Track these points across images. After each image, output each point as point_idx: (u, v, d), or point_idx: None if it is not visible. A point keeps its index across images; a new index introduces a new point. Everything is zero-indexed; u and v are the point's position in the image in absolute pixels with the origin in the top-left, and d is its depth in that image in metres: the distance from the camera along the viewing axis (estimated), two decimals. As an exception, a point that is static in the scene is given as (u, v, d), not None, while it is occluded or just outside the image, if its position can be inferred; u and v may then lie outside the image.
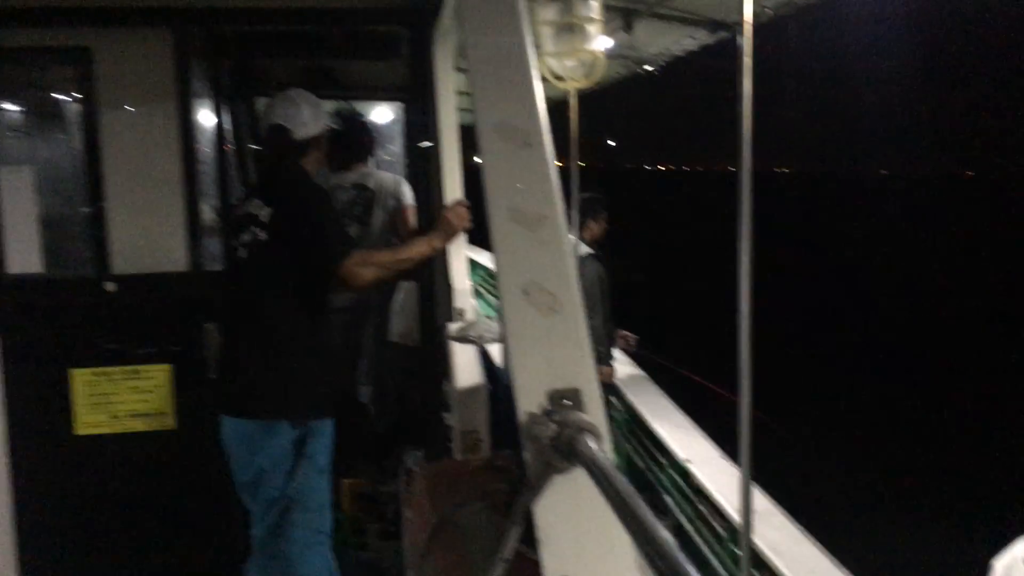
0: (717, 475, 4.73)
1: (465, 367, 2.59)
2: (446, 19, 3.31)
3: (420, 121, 4.36)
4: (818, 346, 18.28)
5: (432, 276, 3.89)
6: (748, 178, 2.86)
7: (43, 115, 4.26)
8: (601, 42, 2.32)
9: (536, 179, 1.70)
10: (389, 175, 5.25)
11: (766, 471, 3.58)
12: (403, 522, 4.26)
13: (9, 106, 3.82)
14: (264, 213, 3.35)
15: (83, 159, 3.68)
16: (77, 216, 3.95)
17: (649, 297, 19.56)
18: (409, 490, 4.11)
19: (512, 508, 1.65)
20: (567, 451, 1.42)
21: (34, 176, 3.66)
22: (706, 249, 19.33)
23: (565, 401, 1.54)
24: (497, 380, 2.35)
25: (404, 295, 4.92)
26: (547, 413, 1.51)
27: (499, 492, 1.82)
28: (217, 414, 3.39)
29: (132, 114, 3.70)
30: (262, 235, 3.35)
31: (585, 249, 5.97)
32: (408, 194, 5.05)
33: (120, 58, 3.63)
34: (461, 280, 3.71)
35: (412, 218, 5.01)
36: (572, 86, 2.47)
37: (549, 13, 2.32)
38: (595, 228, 6.08)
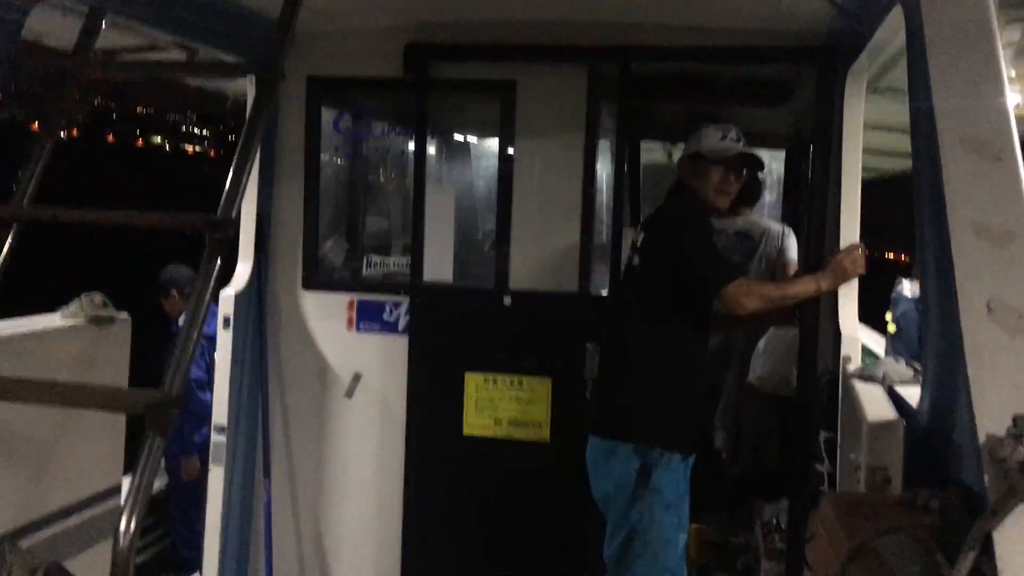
0: None
1: (874, 403, 2.46)
2: (864, 58, 3.23)
3: (808, 167, 4.28)
4: None
5: (815, 320, 3.77)
6: None
7: (464, 141, 4.77)
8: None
9: (1006, 194, 1.60)
10: (778, 226, 5.10)
11: None
12: (760, 574, 4.14)
13: (437, 132, 4.29)
14: (640, 238, 3.45)
15: (496, 183, 4.04)
16: (484, 233, 4.35)
17: None
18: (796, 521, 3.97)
19: (950, 539, 1.55)
20: (1041, 478, 1.30)
21: (454, 196, 4.09)
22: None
23: (1034, 427, 1.42)
24: (909, 420, 2.21)
25: (768, 339, 4.79)
26: (1015, 437, 1.40)
27: (926, 527, 1.70)
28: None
29: (543, 144, 4.01)
30: (635, 259, 3.44)
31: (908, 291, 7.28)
32: (792, 249, 4.90)
33: (539, 92, 3.95)
34: (851, 326, 3.56)
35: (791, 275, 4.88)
36: (1026, 113, 2.29)
37: (1012, 34, 2.18)
38: None
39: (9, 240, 2.27)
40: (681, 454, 3.31)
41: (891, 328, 7.20)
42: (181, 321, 5.44)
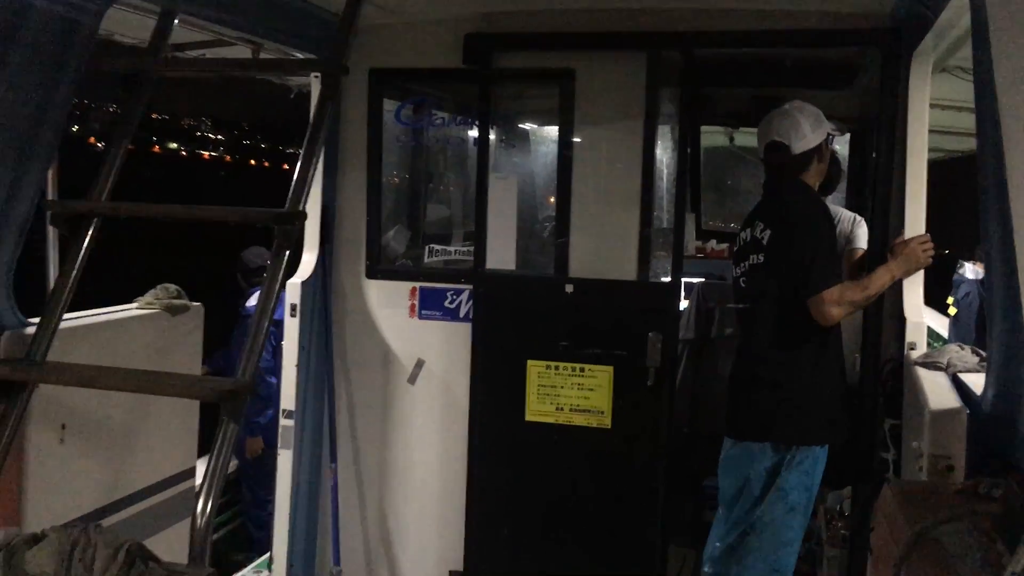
0: None
1: (937, 390, 2.43)
2: (929, 39, 3.17)
3: (873, 150, 4.20)
4: None
5: (880, 305, 3.72)
6: None
7: (524, 129, 4.79)
8: None
9: None
10: (850, 215, 5.01)
11: None
12: (824, 561, 4.12)
13: (498, 120, 4.32)
14: (766, 236, 3.46)
15: (556, 171, 4.05)
16: (545, 221, 4.37)
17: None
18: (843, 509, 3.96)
19: (1011, 527, 1.54)
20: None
21: (516, 185, 4.12)
22: None
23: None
24: (973, 408, 2.18)
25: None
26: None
27: (988, 515, 1.69)
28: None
29: (602, 132, 4.01)
30: (759, 258, 3.45)
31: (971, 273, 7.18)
32: (862, 237, 4.81)
33: (598, 80, 3.95)
34: (916, 313, 3.51)
35: (859, 262, 4.81)
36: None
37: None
38: None
39: (90, 233, 2.38)
40: (821, 446, 3.39)
41: (952, 311, 7.03)
42: (250, 303, 5.60)
